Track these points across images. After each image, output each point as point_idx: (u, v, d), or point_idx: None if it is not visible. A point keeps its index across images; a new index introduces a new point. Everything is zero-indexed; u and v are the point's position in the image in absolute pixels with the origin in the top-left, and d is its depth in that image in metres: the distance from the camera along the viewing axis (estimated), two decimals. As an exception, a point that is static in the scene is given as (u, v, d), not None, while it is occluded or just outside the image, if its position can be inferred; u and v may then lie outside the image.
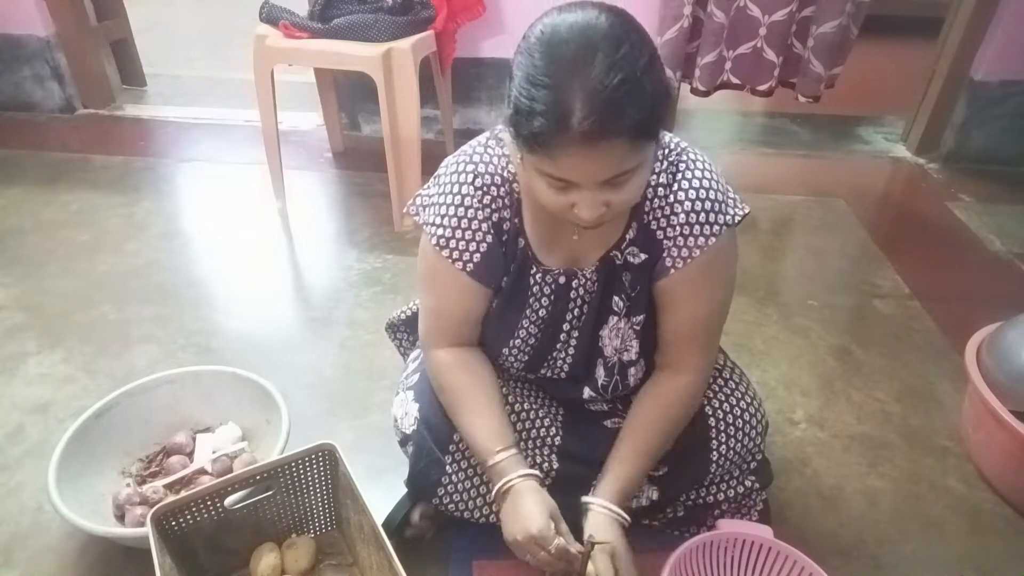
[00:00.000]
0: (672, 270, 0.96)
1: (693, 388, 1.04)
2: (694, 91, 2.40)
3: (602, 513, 0.97)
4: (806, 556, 1.01)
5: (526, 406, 1.11)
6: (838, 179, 2.62)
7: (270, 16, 1.98)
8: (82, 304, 1.79)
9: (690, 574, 1.03)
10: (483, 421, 1.01)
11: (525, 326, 1.03)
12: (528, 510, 0.94)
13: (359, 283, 1.91)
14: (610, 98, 0.72)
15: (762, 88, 2.37)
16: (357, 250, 2.06)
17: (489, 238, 0.97)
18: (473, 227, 0.97)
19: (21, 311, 1.76)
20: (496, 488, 0.98)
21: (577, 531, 0.97)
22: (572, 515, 0.99)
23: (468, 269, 0.98)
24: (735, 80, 2.39)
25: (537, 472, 1.00)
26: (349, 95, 2.72)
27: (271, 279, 1.97)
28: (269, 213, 2.24)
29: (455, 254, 0.97)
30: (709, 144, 2.84)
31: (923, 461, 1.41)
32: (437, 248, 0.98)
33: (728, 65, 2.36)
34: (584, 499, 1.00)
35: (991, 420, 1.29)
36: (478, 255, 0.98)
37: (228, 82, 3.27)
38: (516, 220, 0.98)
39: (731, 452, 1.08)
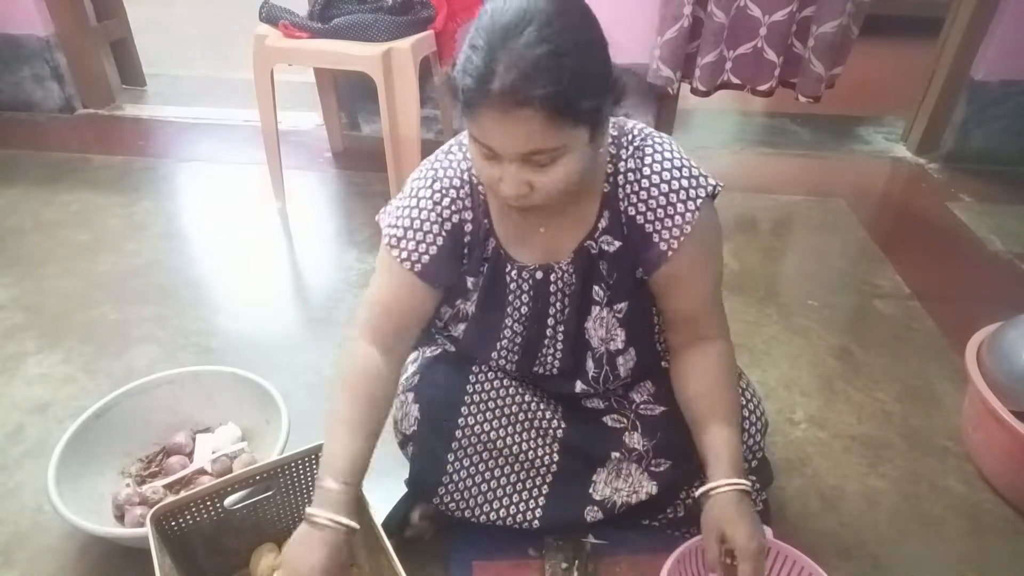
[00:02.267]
0: (669, 252, 0.95)
1: (726, 347, 1.04)
2: (694, 91, 2.40)
3: (725, 492, 0.92)
4: (806, 556, 1.01)
5: (527, 397, 1.11)
6: (838, 179, 2.62)
7: (270, 16, 1.98)
8: (82, 304, 1.79)
9: (690, 574, 1.03)
10: (350, 442, 0.95)
11: (509, 325, 1.04)
12: (308, 555, 0.88)
13: (359, 283, 1.91)
14: (530, 66, 0.74)
15: (762, 88, 2.37)
16: (357, 250, 2.06)
17: (441, 240, 0.98)
18: (425, 228, 0.97)
19: (21, 311, 1.76)
20: (310, 508, 0.91)
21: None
22: (571, 510, 0.98)
23: (416, 269, 0.98)
24: (735, 80, 2.39)
25: (352, 525, 0.91)
26: (349, 95, 2.72)
27: (271, 279, 1.97)
28: (269, 213, 2.24)
29: (404, 253, 0.98)
30: (709, 144, 2.84)
31: (923, 461, 1.41)
32: (388, 247, 0.99)
33: (728, 65, 2.36)
34: (701, 490, 0.96)
35: (991, 420, 1.29)
36: (427, 256, 0.98)
37: (228, 82, 3.27)
38: (485, 221, 0.98)
39: None
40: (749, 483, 0.95)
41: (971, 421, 1.41)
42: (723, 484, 0.93)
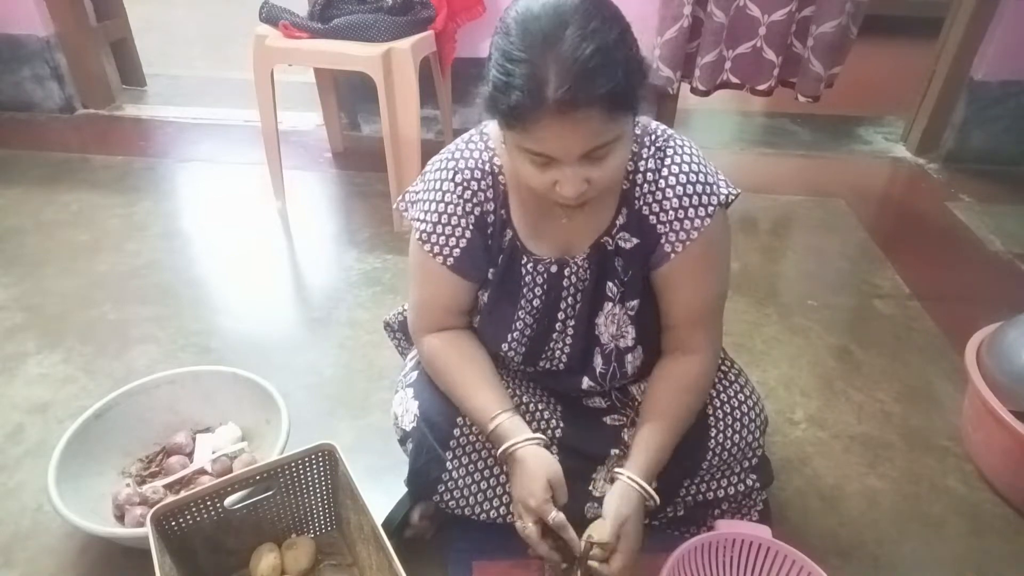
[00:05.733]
0: (672, 255, 0.97)
1: (705, 366, 1.04)
2: (694, 91, 2.40)
3: (629, 485, 0.97)
4: (805, 556, 1.01)
5: (525, 399, 1.11)
6: (838, 179, 2.62)
7: (270, 16, 1.98)
8: (82, 304, 1.79)
9: (689, 574, 1.03)
10: (478, 391, 1.03)
11: (521, 317, 1.04)
12: (527, 481, 0.95)
13: (359, 283, 1.91)
14: (583, 68, 0.75)
15: (762, 88, 2.37)
16: (357, 250, 2.06)
17: (469, 233, 1.00)
18: (453, 223, 0.99)
19: (21, 311, 1.76)
20: (499, 453, 1.00)
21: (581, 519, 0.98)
22: (572, 505, 0.99)
23: (449, 263, 1.01)
24: (735, 80, 2.39)
25: (539, 436, 1.00)
26: (349, 95, 2.72)
27: (271, 279, 1.97)
28: (269, 213, 2.24)
29: (436, 248, 1.00)
30: (709, 144, 2.84)
31: (923, 461, 1.41)
32: (420, 242, 1.01)
33: (728, 65, 2.36)
34: (616, 470, 1.00)
35: (991, 420, 1.29)
36: (458, 250, 1.00)
37: (228, 82, 3.27)
38: (503, 212, 0.99)
39: (729, 443, 1.08)
40: (655, 496, 0.98)
41: (971, 421, 1.41)
42: (636, 481, 0.97)
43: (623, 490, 0.97)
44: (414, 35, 1.99)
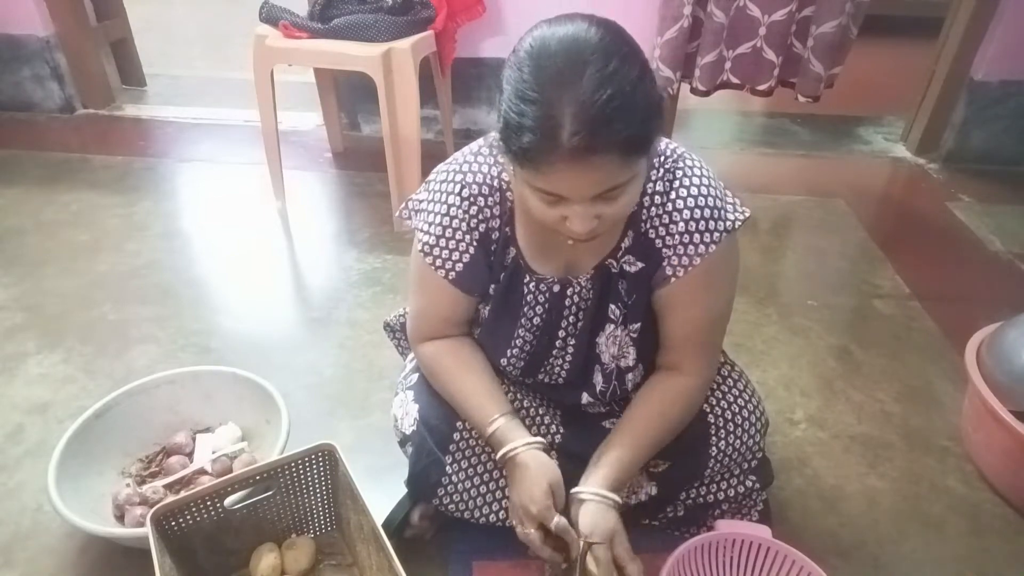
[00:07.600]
0: (672, 278, 0.96)
1: (694, 390, 1.04)
2: (694, 91, 2.40)
3: (594, 501, 0.95)
4: (805, 556, 1.01)
5: (525, 403, 1.11)
6: (838, 179, 2.62)
7: (270, 16, 1.98)
8: (82, 304, 1.79)
9: (690, 574, 1.03)
10: (476, 394, 1.03)
11: (521, 334, 1.04)
12: (528, 485, 0.95)
13: (359, 283, 1.91)
14: (599, 114, 0.71)
15: (762, 88, 2.36)
16: (357, 250, 2.06)
17: (472, 249, 0.98)
18: (457, 237, 0.98)
19: (21, 311, 1.76)
20: (498, 457, 0.99)
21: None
22: (569, 511, 0.98)
23: (450, 277, 1.00)
24: (735, 80, 2.39)
25: (538, 439, 1.00)
26: (349, 95, 2.72)
27: (271, 279, 1.97)
28: (269, 213, 2.24)
29: (438, 261, 0.99)
30: (709, 144, 2.84)
31: (923, 461, 1.41)
32: (422, 254, 1.00)
33: (728, 65, 2.36)
34: (574, 490, 0.98)
35: (991, 420, 1.29)
36: (460, 264, 0.99)
37: (228, 82, 3.27)
38: (507, 229, 0.98)
39: (730, 448, 1.08)
40: (618, 500, 0.97)
41: (971, 421, 1.41)
42: (608, 496, 0.95)
43: (602, 511, 0.95)
44: (414, 35, 1.99)
